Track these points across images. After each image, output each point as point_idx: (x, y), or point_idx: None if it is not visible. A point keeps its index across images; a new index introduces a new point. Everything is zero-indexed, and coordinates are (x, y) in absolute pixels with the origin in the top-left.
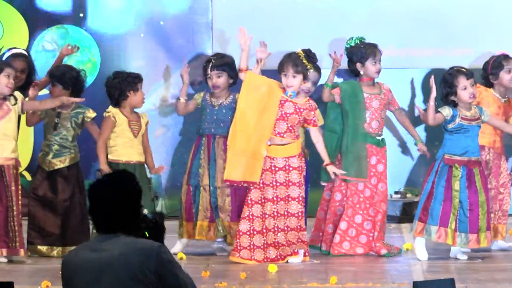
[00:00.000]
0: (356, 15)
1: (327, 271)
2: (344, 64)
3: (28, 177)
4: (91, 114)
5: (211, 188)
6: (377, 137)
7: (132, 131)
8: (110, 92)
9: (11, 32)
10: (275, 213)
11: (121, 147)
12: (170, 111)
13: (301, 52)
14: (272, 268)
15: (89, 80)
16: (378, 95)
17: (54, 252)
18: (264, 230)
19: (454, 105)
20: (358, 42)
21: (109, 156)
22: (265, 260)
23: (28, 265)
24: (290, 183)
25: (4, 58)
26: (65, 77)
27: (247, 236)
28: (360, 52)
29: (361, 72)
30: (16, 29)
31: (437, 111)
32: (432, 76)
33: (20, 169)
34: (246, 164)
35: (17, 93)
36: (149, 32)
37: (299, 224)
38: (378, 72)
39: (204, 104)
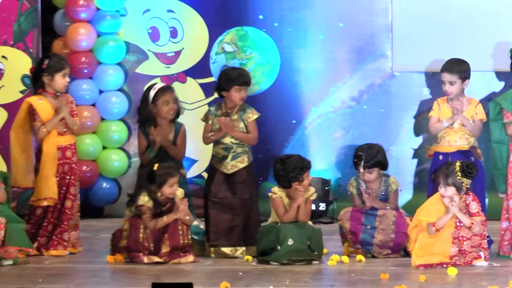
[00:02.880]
0: None
1: (507, 275)
2: (503, 66)
3: None
4: (253, 115)
5: None
6: None
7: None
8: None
9: (192, 34)
10: (457, 223)
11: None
12: (349, 112)
13: (458, 165)
14: (452, 271)
15: (268, 82)
16: None
17: (238, 253)
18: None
19: None
20: None
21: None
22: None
23: (207, 266)
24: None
25: (152, 91)
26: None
27: None
28: None
29: None
30: (196, 31)
31: None
32: None
33: (200, 171)
34: None
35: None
36: (329, 33)
37: (482, 231)
38: None
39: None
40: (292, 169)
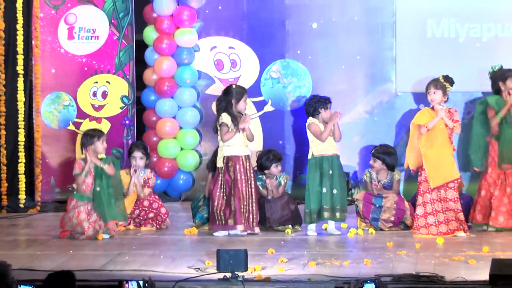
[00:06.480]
0: None
1: (481, 243)
2: (487, 88)
3: None
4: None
5: None
6: None
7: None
8: (307, 109)
9: (247, 64)
10: (440, 199)
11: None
12: (364, 122)
13: (441, 76)
14: (440, 240)
15: (304, 100)
16: None
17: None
18: (434, 212)
19: None
20: None
21: (314, 153)
22: (438, 234)
23: (258, 237)
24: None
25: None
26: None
27: (423, 218)
28: None
29: None
30: (250, 62)
31: None
32: None
33: None
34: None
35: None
36: (349, 64)
37: (455, 206)
38: None
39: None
40: (319, 98)
